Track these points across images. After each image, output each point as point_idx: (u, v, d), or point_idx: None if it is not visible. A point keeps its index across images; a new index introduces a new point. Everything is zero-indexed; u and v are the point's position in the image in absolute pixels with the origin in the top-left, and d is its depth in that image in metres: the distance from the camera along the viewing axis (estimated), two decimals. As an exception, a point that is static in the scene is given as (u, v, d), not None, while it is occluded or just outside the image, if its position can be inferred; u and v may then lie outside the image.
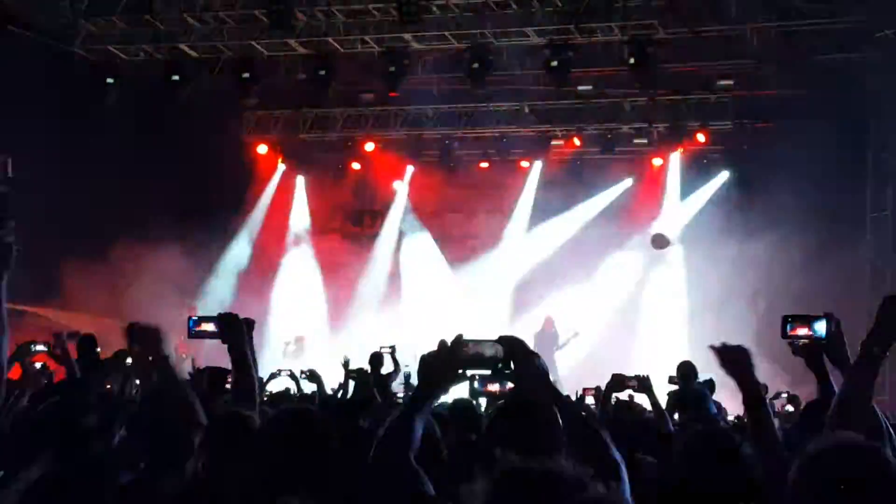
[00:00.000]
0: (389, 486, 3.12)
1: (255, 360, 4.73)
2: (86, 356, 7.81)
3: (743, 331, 16.14)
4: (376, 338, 15.68)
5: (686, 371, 9.11)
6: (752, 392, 3.85)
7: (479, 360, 3.15)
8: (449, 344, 3.18)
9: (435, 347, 3.34)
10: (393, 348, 12.26)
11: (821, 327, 4.83)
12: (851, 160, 17.19)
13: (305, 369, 10.37)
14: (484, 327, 18.62)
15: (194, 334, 4.78)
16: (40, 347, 7.13)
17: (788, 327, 5.01)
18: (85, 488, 3.13)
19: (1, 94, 15.03)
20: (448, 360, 3.16)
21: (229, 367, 4.71)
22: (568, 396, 10.98)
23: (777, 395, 11.61)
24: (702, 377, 9.25)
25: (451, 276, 21.92)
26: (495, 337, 3.18)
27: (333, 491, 3.12)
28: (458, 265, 22.00)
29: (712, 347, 4.03)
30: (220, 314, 4.71)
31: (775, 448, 3.80)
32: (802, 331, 4.95)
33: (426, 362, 3.24)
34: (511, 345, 3.15)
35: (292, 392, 10.08)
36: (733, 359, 3.98)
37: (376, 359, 10.58)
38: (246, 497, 2.73)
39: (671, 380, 9.23)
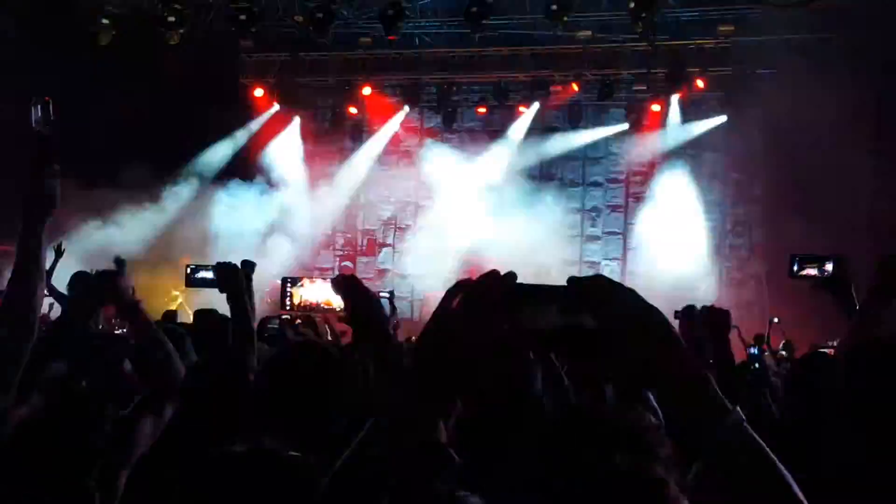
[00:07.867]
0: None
1: (252, 308, 4.72)
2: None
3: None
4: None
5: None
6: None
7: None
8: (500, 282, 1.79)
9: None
10: (391, 293, 12.20)
11: (830, 268, 4.83)
12: (860, 105, 16.83)
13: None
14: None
15: (192, 282, 4.73)
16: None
17: (796, 266, 4.99)
18: (73, 427, 3.12)
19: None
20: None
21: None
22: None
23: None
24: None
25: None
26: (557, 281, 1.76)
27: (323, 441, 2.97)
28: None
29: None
30: (217, 263, 4.69)
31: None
32: (812, 270, 4.94)
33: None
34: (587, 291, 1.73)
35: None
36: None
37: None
38: (224, 435, 2.54)
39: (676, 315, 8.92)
